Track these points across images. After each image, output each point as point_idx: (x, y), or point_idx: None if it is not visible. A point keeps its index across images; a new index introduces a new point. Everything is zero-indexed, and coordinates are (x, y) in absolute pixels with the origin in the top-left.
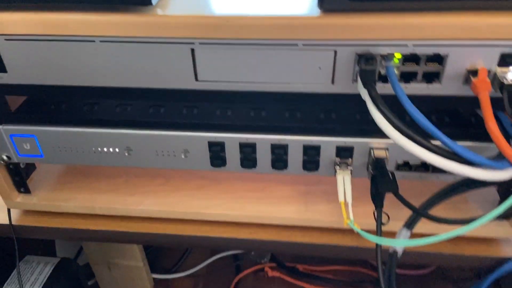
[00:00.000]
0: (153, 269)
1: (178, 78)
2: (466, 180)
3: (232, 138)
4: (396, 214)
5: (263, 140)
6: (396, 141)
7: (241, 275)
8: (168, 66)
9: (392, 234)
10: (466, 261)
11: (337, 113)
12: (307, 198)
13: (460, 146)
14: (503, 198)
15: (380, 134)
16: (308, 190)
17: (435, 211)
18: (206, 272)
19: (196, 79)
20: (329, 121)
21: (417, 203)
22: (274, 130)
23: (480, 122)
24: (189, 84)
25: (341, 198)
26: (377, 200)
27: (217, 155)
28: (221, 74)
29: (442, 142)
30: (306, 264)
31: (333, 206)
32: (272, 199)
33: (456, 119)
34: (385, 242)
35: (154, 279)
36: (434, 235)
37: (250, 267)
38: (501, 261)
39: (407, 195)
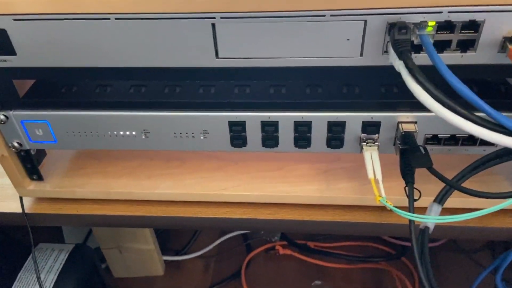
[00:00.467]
0: (164, 251)
1: (198, 56)
2: (500, 152)
3: (253, 117)
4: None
5: (286, 117)
6: (438, 114)
7: (252, 254)
8: (187, 44)
9: (420, 210)
10: (494, 234)
11: (363, 87)
12: (327, 176)
13: (506, 116)
14: None
15: (408, 107)
16: (328, 168)
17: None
18: (217, 252)
19: (217, 56)
20: (354, 95)
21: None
22: (297, 107)
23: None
24: (209, 62)
25: (370, 175)
26: (408, 176)
27: (238, 135)
28: (243, 50)
29: (487, 113)
30: (317, 241)
31: (354, 184)
32: (291, 178)
33: (488, 89)
34: (420, 218)
35: (165, 261)
36: (470, 211)
37: (260, 246)
38: None
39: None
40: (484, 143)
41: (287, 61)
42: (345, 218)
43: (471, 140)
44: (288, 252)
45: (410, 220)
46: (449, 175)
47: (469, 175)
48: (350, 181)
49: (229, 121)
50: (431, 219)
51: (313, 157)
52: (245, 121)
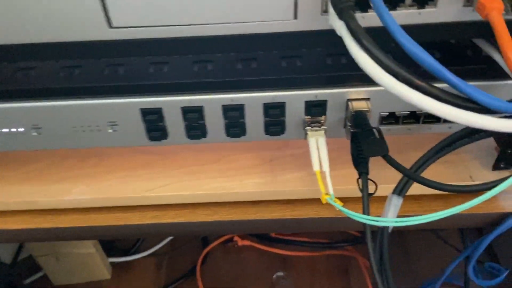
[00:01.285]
0: (110, 252)
1: (86, 26)
2: (469, 129)
3: (171, 102)
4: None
5: (212, 101)
6: (389, 88)
7: (208, 247)
8: (70, 10)
9: (380, 200)
10: (465, 221)
11: (304, 60)
12: (273, 166)
13: (477, 89)
14: (504, 146)
15: (359, 81)
16: (274, 156)
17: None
18: (170, 249)
19: (110, 25)
20: (294, 70)
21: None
22: (224, 88)
23: (479, 55)
24: (100, 33)
25: (315, 167)
26: (361, 165)
27: (154, 125)
28: (144, 16)
29: (452, 84)
30: None
31: (306, 173)
32: (231, 171)
33: (452, 55)
34: (375, 222)
35: (112, 263)
36: (437, 199)
37: (218, 238)
38: (499, 218)
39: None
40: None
41: (203, 29)
42: (296, 214)
43: (434, 116)
44: (247, 243)
45: (364, 225)
46: (416, 156)
47: (431, 161)
48: (300, 171)
49: (140, 109)
50: (389, 221)
51: (257, 144)
52: (161, 108)
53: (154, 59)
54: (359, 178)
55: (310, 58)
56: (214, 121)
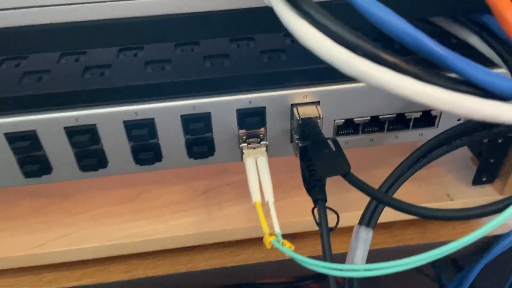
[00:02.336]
0: None
1: None
2: (446, 135)
3: (49, 121)
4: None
5: (108, 116)
6: (346, 67)
7: None
8: None
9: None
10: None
11: (231, 54)
12: (209, 199)
13: (475, 64)
14: (486, 155)
15: (305, 78)
16: (209, 187)
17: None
18: None
19: None
20: (218, 69)
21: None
22: (124, 97)
23: (449, 41)
24: None
25: (255, 197)
26: (315, 190)
27: (28, 157)
28: None
29: (436, 56)
30: None
31: (250, 205)
32: (153, 210)
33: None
34: (339, 272)
35: None
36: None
37: None
38: (487, 242)
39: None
40: (420, 124)
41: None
42: (240, 260)
43: (401, 121)
44: None
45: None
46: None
47: (404, 178)
48: (241, 203)
49: (5, 134)
50: (357, 270)
51: (185, 173)
52: (35, 130)
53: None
54: (314, 207)
55: (240, 56)
56: (115, 144)
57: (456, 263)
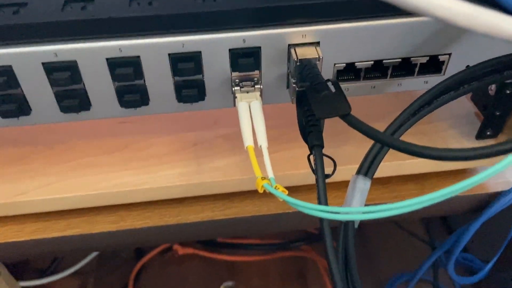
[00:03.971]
0: (23, 274)
1: None
2: (452, 81)
3: (26, 55)
4: (338, 151)
5: (90, 51)
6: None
7: (143, 260)
8: None
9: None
10: (447, 206)
11: None
12: (198, 151)
13: None
14: (491, 107)
15: (304, 15)
16: (199, 139)
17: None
18: (97, 265)
19: None
20: (209, 2)
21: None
22: (106, 31)
23: None
24: None
25: (247, 142)
26: (312, 135)
27: (4, 95)
28: None
29: None
30: None
31: (242, 158)
32: (141, 161)
33: None
34: (335, 215)
35: (24, 287)
36: (411, 181)
37: (153, 248)
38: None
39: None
40: (426, 71)
41: None
42: (231, 213)
43: (406, 67)
44: (189, 251)
45: (321, 219)
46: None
47: (407, 125)
48: (232, 155)
49: None
50: (355, 213)
51: (175, 124)
52: (11, 66)
53: None
54: (310, 154)
55: None
56: (100, 85)
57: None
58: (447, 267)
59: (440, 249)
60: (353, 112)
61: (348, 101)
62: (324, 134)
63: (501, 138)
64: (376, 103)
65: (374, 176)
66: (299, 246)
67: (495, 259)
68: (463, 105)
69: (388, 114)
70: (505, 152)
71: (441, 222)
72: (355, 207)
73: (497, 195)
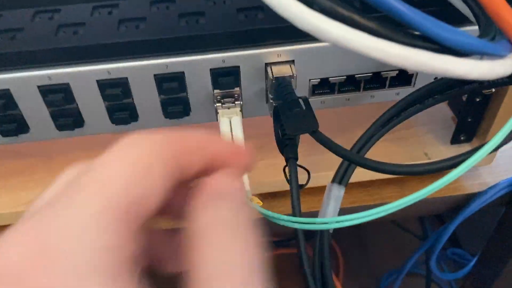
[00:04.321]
0: None
1: None
2: (421, 92)
3: (22, 80)
4: (319, 159)
5: (81, 75)
6: (299, 21)
7: None
8: None
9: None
10: (423, 208)
11: (205, 11)
12: None
13: (434, 20)
14: (464, 113)
15: (279, 37)
16: None
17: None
18: None
19: None
20: (191, 27)
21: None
22: (96, 56)
23: None
24: None
25: None
26: (287, 148)
27: (4, 116)
28: None
29: (394, 11)
30: None
31: None
32: None
33: None
34: (309, 225)
35: None
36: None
37: None
38: (462, 200)
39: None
40: (396, 83)
41: None
42: None
43: (377, 80)
44: None
45: (296, 230)
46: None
47: (376, 137)
48: None
49: None
50: (328, 223)
51: None
52: (9, 89)
53: None
54: (286, 165)
55: (216, 14)
56: (88, 104)
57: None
58: (429, 262)
59: (424, 245)
60: (335, 121)
61: (316, 118)
62: (306, 142)
63: (476, 142)
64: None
65: (356, 180)
66: (295, 243)
67: (478, 254)
68: (441, 109)
69: (367, 120)
70: (442, 169)
71: (435, 219)
72: (328, 215)
73: (473, 196)
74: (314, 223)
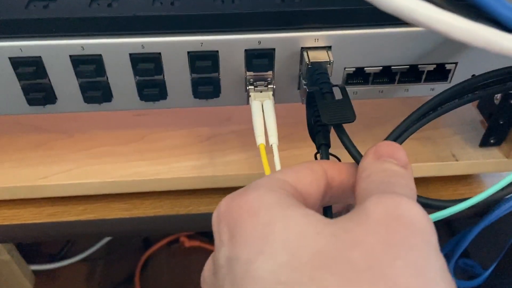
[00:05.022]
0: (34, 258)
1: None
2: (458, 88)
3: (54, 48)
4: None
5: (114, 47)
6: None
7: (150, 250)
8: None
9: None
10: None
11: None
12: (212, 145)
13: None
14: (496, 115)
15: (318, 20)
16: (212, 133)
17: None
18: (106, 252)
19: None
20: (227, 4)
21: (368, 137)
22: (130, 28)
23: None
24: None
25: (259, 140)
26: (319, 135)
27: (32, 84)
28: None
29: None
30: None
31: (252, 154)
32: (156, 152)
33: None
34: None
35: (34, 271)
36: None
37: (161, 239)
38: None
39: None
40: (433, 78)
41: None
42: None
43: (413, 74)
44: (196, 243)
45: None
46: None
47: (409, 132)
48: (244, 151)
49: (9, 58)
50: None
51: (190, 118)
52: (40, 56)
53: None
54: (317, 153)
55: None
56: (121, 78)
57: (451, 228)
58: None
59: (441, 251)
60: (363, 113)
61: (354, 109)
62: (332, 134)
63: (504, 146)
64: (386, 104)
65: None
66: None
67: (493, 265)
68: (469, 112)
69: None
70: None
71: (444, 225)
72: None
73: (498, 202)
74: None
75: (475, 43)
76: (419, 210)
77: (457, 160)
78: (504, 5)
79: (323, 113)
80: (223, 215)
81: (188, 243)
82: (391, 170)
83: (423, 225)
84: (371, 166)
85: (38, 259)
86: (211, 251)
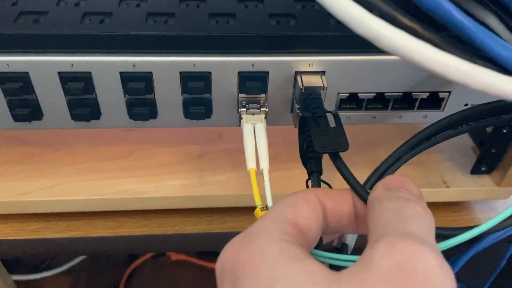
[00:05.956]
0: (14, 269)
1: None
2: (453, 118)
3: (43, 64)
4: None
5: (104, 64)
6: (358, 26)
7: (135, 263)
8: None
9: None
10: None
11: (238, 13)
12: (201, 164)
13: (498, 39)
14: (489, 144)
15: (312, 46)
16: (203, 151)
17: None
18: (90, 264)
19: None
20: (223, 26)
21: (364, 159)
22: (121, 46)
23: None
24: None
25: (250, 164)
26: (311, 162)
27: (19, 100)
28: None
29: (456, 25)
30: None
31: (242, 174)
32: (145, 169)
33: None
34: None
35: (16, 281)
36: None
37: (146, 252)
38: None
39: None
40: (426, 106)
41: None
42: (227, 227)
43: (407, 101)
44: (182, 257)
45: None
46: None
47: (403, 160)
48: (234, 170)
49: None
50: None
51: (180, 135)
52: (27, 72)
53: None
54: (308, 179)
55: (247, 17)
56: (110, 97)
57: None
58: None
59: None
60: (355, 136)
61: (347, 138)
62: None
63: (495, 174)
64: (378, 126)
65: None
66: None
67: None
68: (461, 138)
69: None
70: None
71: None
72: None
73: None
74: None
75: (474, 86)
76: (434, 261)
77: (448, 187)
78: (503, 46)
79: (316, 141)
80: (226, 270)
81: (175, 256)
82: (405, 197)
83: (438, 279)
84: (382, 194)
85: (21, 270)
86: (198, 265)
